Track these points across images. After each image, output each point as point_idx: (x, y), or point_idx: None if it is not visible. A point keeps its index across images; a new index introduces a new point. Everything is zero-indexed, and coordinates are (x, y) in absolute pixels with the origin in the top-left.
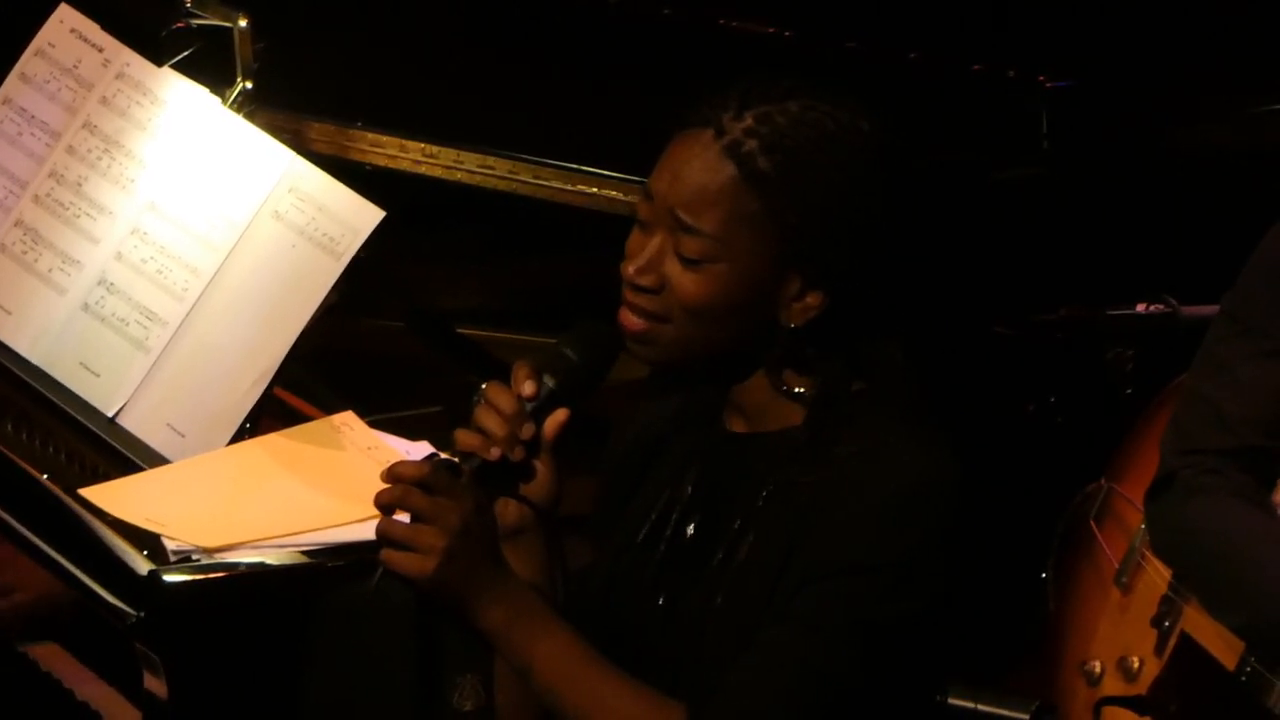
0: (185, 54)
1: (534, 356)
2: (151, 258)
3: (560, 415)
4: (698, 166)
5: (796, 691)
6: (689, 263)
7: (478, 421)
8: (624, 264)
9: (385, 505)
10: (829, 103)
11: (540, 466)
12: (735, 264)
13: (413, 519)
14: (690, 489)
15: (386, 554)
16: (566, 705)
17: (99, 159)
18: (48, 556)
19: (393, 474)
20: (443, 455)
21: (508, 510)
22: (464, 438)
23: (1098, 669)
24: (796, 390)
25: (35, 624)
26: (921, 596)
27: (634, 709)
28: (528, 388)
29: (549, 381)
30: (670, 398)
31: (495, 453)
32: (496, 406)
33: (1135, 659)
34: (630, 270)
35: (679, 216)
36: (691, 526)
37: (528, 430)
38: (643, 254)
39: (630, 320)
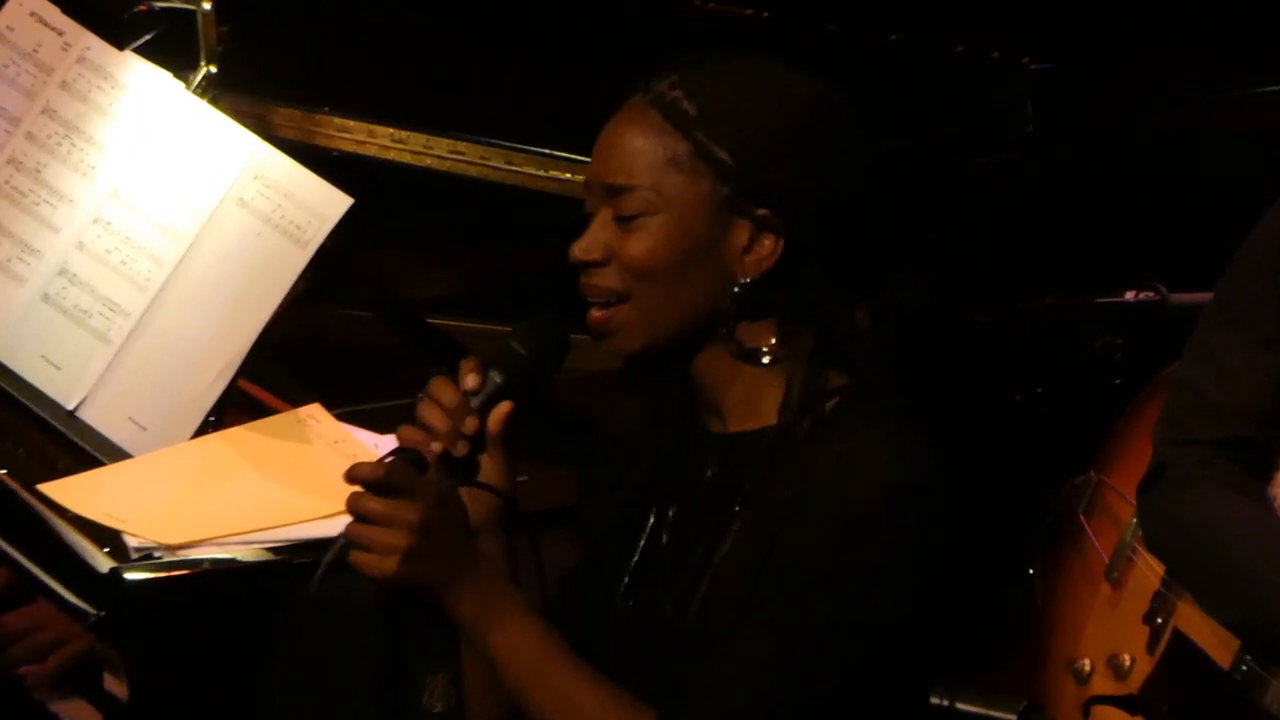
0: (147, 37)
1: (483, 351)
2: (114, 248)
3: (504, 408)
4: (623, 127)
5: (772, 697)
6: (628, 221)
7: (419, 416)
8: (571, 249)
9: (350, 511)
10: (760, 60)
11: (488, 461)
12: (674, 213)
13: None
14: (666, 492)
15: (354, 554)
16: (533, 703)
17: (59, 145)
18: (5, 554)
19: (349, 476)
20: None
21: None
22: (406, 433)
23: (1087, 667)
24: (763, 352)
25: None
26: (901, 600)
27: (604, 712)
28: (471, 381)
29: (496, 376)
30: (648, 397)
31: (436, 447)
32: (438, 400)
33: (1126, 657)
34: (575, 250)
35: (610, 183)
36: (667, 530)
37: (470, 424)
38: (586, 234)
39: (594, 314)
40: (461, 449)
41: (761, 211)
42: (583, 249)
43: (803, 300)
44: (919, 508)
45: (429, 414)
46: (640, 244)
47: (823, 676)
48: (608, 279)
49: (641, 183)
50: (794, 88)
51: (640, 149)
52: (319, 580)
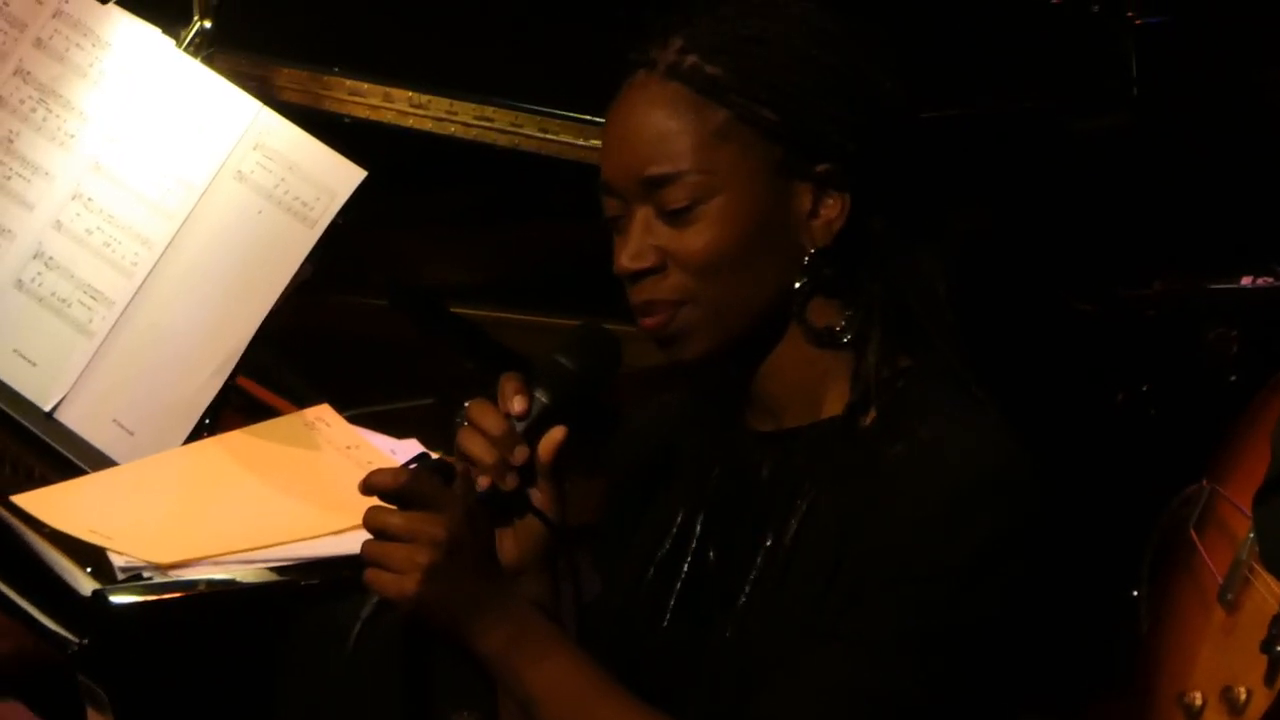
0: None
1: (524, 368)
2: (96, 227)
3: (556, 434)
4: (643, 111)
5: (846, 718)
6: (681, 214)
7: (461, 447)
8: (615, 262)
9: (368, 527)
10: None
11: (538, 494)
12: (733, 191)
13: None
14: (709, 503)
15: (368, 572)
16: None
17: (33, 111)
18: None
19: (365, 486)
20: (434, 455)
21: (503, 547)
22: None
23: (1198, 701)
24: (839, 329)
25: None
26: (991, 605)
27: None
28: (517, 404)
29: (542, 396)
30: (676, 393)
31: (484, 482)
32: (481, 428)
33: (1242, 690)
34: (625, 260)
35: (648, 176)
36: (715, 544)
37: (520, 454)
38: (630, 240)
39: (651, 321)
40: (511, 482)
41: (821, 168)
42: (632, 256)
43: (871, 262)
44: (1009, 498)
45: (472, 444)
46: (702, 235)
47: (902, 694)
48: (667, 286)
49: (689, 166)
50: (810, 16)
51: (675, 130)
52: (357, 636)
